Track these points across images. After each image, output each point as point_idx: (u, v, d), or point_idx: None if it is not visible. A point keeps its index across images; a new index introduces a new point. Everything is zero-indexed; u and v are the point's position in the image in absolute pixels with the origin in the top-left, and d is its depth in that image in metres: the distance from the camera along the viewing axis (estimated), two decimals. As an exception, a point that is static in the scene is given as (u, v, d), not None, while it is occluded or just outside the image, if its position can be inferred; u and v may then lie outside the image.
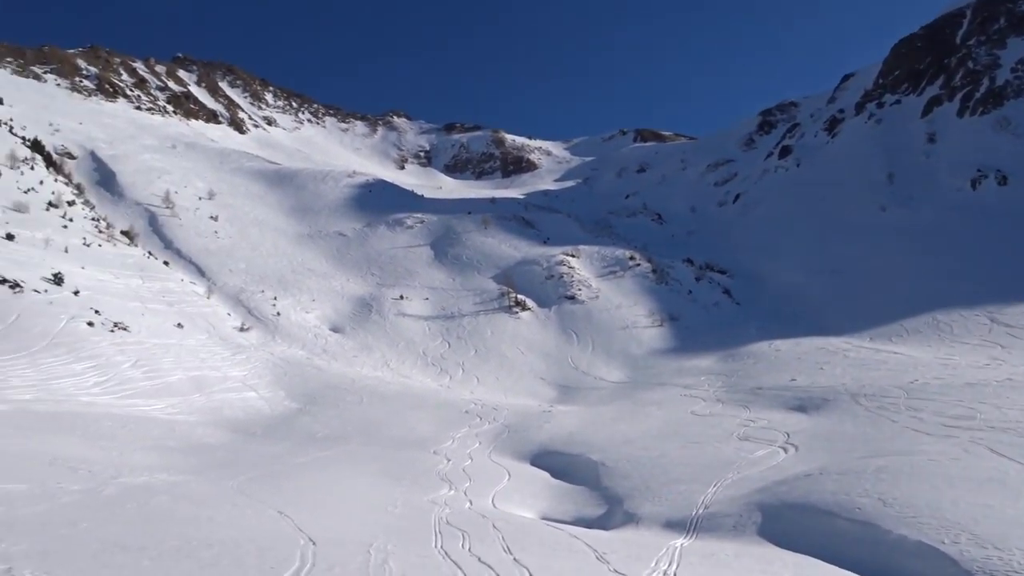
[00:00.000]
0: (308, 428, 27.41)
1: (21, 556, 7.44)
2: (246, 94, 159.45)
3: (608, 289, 54.49)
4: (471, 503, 16.88)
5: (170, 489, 13.77)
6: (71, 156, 65.78)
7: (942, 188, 63.94)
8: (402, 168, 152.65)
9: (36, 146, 58.00)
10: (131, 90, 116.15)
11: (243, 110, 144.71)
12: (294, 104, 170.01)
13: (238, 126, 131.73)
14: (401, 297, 52.45)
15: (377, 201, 75.74)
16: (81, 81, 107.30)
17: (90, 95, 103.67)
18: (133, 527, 10.13)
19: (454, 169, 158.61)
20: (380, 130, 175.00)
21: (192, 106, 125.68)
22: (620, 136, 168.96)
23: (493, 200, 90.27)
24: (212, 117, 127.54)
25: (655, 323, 49.32)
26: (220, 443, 23.03)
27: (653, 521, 16.01)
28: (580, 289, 53.76)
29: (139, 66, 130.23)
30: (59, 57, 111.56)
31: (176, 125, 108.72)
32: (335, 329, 46.81)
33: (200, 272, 49.87)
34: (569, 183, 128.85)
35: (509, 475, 20.95)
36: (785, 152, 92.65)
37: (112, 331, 30.67)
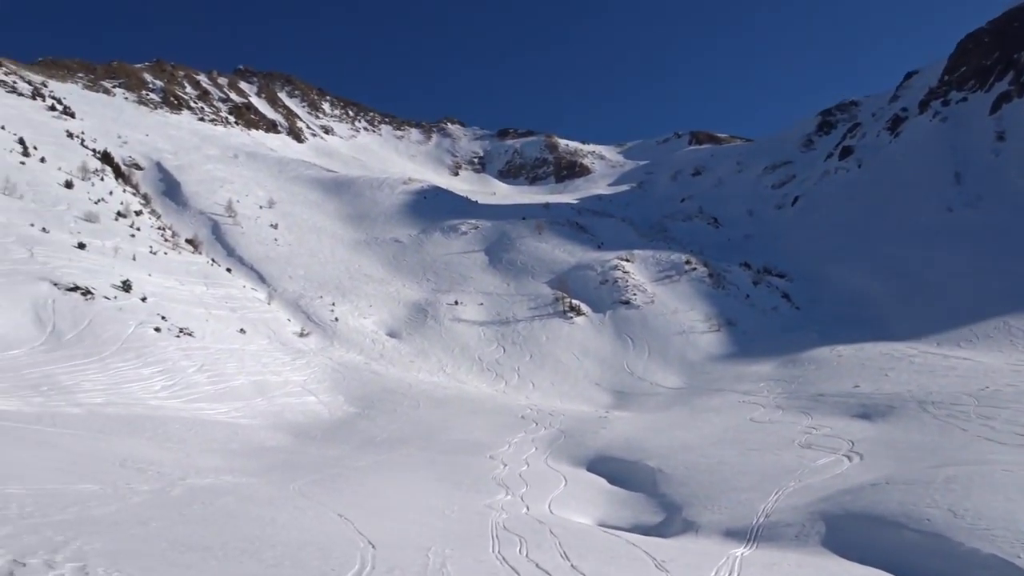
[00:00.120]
0: (366, 432, 27.78)
1: (95, 554, 7.70)
2: (304, 104, 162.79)
3: (664, 294, 53.94)
4: (528, 508, 16.87)
5: (235, 490, 14.10)
6: (138, 167, 68.05)
7: (1012, 187, 61.65)
8: (456, 174, 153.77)
9: (106, 158, 60.27)
10: (194, 102, 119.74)
11: (301, 119, 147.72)
12: (350, 113, 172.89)
13: (296, 135, 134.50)
14: (456, 303, 52.79)
15: (432, 207, 76.45)
16: (148, 94, 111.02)
17: (156, 108, 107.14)
18: (199, 527, 10.39)
19: (508, 175, 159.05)
20: (434, 137, 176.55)
21: (253, 116, 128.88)
22: (675, 139, 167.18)
23: (547, 205, 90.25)
24: (272, 127, 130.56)
25: (712, 328, 48.62)
26: (281, 446, 23.52)
27: (712, 529, 15.78)
28: (635, 294, 53.35)
29: (202, 78, 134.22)
30: (127, 72, 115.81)
31: (237, 135, 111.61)
32: (392, 334, 47.36)
33: (261, 278, 51.01)
34: (623, 187, 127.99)
35: (565, 481, 20.88)
36: (846, 153, 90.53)
37: (178, 336, 31.60)
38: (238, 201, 64.95)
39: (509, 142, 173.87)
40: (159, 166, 70.23)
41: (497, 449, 25.22)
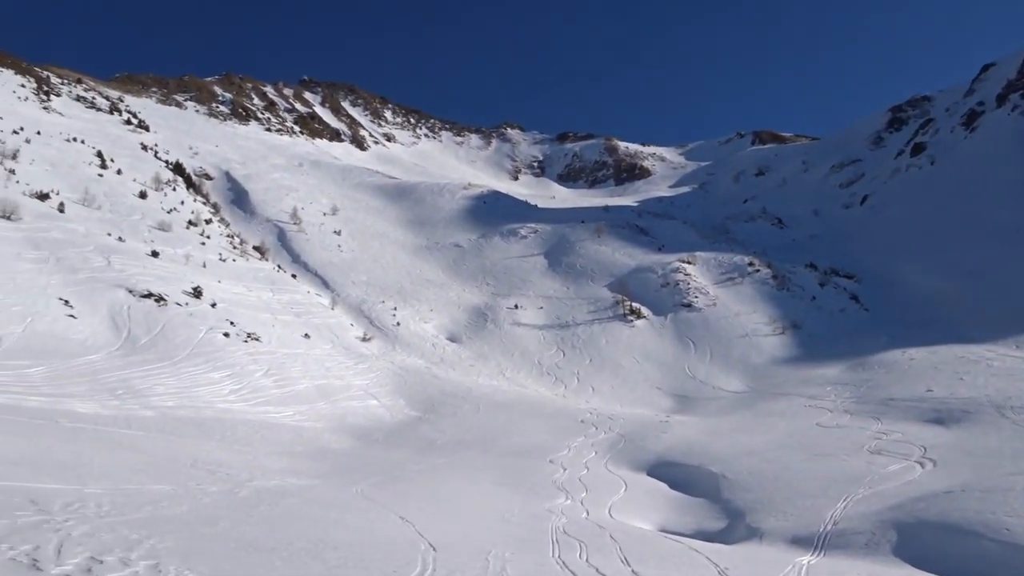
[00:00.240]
0: (427, 436, 28.06)
1: (166, 553, 7.98)
2: (366, 112, 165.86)
3: (726, 296, 53.03)
4: (588, 513, 16.81)
5: (300, 492, 14.44)
6: (208, 177, 70.25)
7: (1098, 182, 58.73)
8: (516, 179, 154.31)
9: (178, 169, 62.46)
10: (261, 113, 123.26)
11: (364, 128, 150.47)
12: (412, 120, 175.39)
13: (359, 143, 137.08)
14: (516, 306, 52.93)
15: (491, 212, 76.82)
16: (217, 107, 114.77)
17: (225, 119, 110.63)
18: (265, 528, 10.68)
19: (567, 178, 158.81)
20: (494, 142, 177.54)
21: (317, 126, 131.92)
22: (737, 139, 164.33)
23: (606, 208, 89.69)
24: (335, 136, 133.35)
25: (776, 331, 47.58)
26: (344, 449, 23.96)
27: (777, 536, 15.45)
28: (697, 296, 52.60)
29: (268, 90, 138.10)
30: (197, 85, 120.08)
31: (302, 144, 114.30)
32: (452, 338, 47.75)
33: (325, 284, 52.02)
34: (684, 189, 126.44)
35: (626, 485, 20.72)
36: (918, 149, 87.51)
37: (246, 341, 32.51)
38: (303, 208, 66.41)
39: (568, 146, 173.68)
40: (228, 176, 72.36)
41: (557, 453, 25.17)
